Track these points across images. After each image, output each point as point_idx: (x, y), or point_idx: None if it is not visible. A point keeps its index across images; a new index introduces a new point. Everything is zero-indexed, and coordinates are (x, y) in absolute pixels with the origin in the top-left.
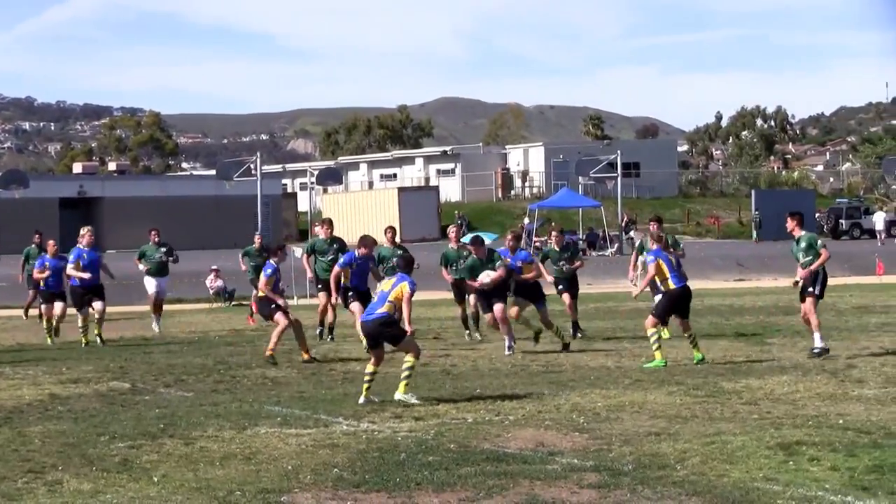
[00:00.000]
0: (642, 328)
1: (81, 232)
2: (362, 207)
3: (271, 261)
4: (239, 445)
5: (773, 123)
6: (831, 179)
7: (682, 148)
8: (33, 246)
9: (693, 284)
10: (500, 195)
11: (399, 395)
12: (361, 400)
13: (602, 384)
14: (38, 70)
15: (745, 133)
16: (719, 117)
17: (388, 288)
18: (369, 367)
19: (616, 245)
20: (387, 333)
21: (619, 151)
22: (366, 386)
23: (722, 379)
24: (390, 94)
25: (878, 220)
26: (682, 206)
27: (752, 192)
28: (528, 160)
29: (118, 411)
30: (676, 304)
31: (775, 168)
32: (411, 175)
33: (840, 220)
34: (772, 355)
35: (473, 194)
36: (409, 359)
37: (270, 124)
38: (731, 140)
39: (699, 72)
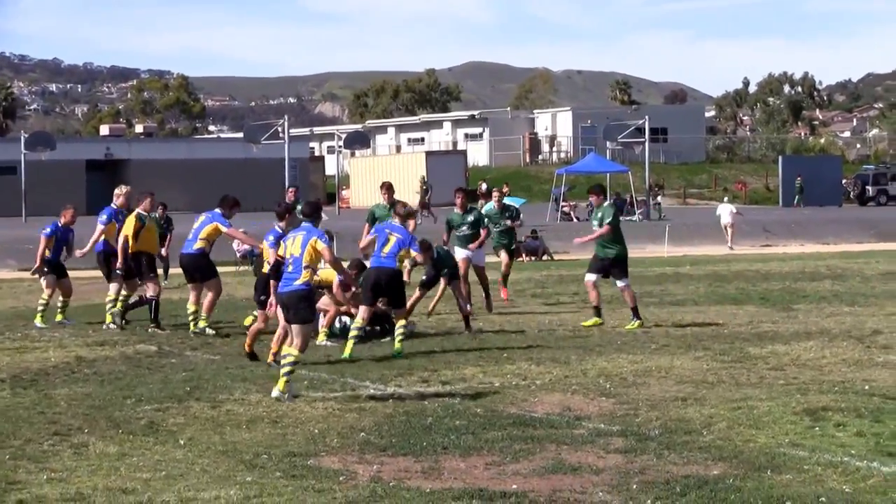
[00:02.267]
0: (671, 293)
1: (117, 192)
2: (390, 171)
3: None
4: (265, 409)
5: (800, 90)
6: (858, 146)
7: (710, 114)
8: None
9: (719, 250)
10: (527, 160)
11: (276, 391)
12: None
13: (629, 349)
14: (65, 32)
15: (772, 99)
16: (746, 83)
17: (299, 251)
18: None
19: (643, 210)
20: (301, 308)
21: (646, 117)
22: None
23: (748, 344)
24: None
25: None
26: (710, 172)
27: (780, 158)
28: (556, 125)
29: (144, 374)
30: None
31: (802, 134)
32: (439, 139)
33: (867, 187)
34: (798, 321)
35: (501, 159)
36: (292, 351)
37: (298, 87)
38: (758, 106)
39: (727, 37)
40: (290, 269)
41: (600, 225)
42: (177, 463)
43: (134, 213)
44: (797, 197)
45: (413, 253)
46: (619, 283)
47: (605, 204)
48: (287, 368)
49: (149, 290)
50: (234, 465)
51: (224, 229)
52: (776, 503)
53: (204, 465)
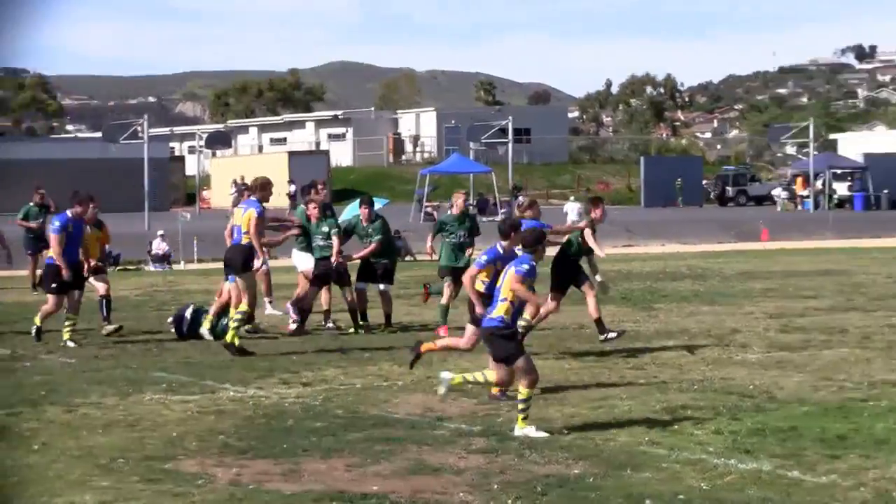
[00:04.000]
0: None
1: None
2: (251, 171)
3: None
4: (122, 412)
5: (662, 91)
6: (718, 147)
7: (573, 114)
8: (31, 204)
9: None
10: (391, 160)
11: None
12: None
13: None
14: None
15: (634, 100)
16: (609, 84)
17: (499, 282)
18: None
19: (506, 210)
20: (499, 346)
21: (510, 117)
22: None
23: (609, 344)
24: (282, 57)
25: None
26: (573, 173)
27: (642, 158)
28: (420, 125)
29: None
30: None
31: (664, 135)
32: (302, 139)
33: (726, 188)
34: (658, 320)
35: (364, 159)
36: (522, 390)
37: (158, 87)
38: (620, 107)
39: (590, 39)
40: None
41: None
42: (29, 468)
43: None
44: (679, 198)
45: None
46: (382, 287)
47: (377, 221)
48: (521, 406)
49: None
50: (89, 469)
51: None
52: (635, 501)
53: (58, 471)
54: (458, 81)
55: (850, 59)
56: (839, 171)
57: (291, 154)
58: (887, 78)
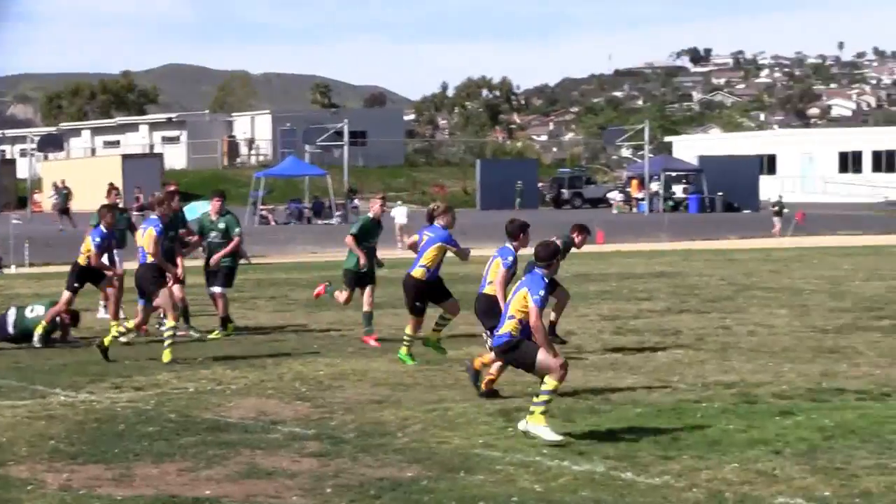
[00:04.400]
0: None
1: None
2: (84, 174)
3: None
4: None
5: (497, 94)
6: (554, 149)
7: (409, 117)
8: None
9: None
10: (225, 163)
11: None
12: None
13: (325, 352)
14: None
15: (469, 103)
16: (445, 87)
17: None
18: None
19: (341, 213)
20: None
21: (346, 120)
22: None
23: (444, 347)
24: (115, 59)
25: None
26: (409, 175)
27: (477, 161)
28: (255, 128)
29: None
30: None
31: (500, 138)
32: (135, 142)
33: (562, 190)
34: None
35: (199, 162)
36: (549, 382)
37: None
38: (456, 110)
39: (425, 41)
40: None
41: (225, 236)
42: None
43: None
44: (518, 200)
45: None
46: (217, 290)
47: (228, 215)
48: (543, 398)
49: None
50: None
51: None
52: (469, 503)
53: None
54: (293, 84)
55: (685, 62)
56: (674, 174)
57: (125, 157)
58: (722, 81)
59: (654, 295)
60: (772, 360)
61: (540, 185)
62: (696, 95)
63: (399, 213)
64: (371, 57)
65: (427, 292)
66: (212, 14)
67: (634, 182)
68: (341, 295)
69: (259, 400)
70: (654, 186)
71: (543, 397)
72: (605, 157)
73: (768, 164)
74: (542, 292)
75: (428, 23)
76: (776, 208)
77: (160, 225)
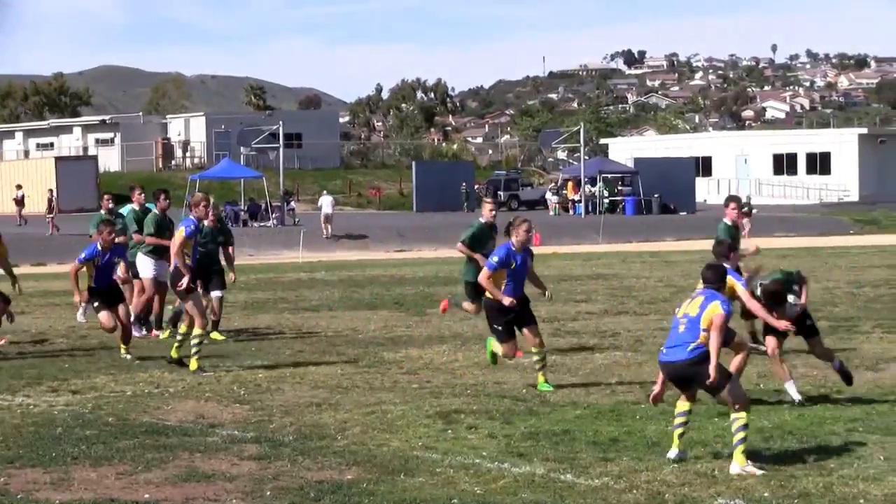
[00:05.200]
0: (305, 299)
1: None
2: (18, 177)
3: None
4: None
5: (433, 96)
6: (490, 151)
7: (344, 119)
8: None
9: (354, 255)
10: (160, 165)
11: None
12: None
13: (263, 355)
14: None
15: (405, 105)
16: (380, 89)
17: (696, 311)
18: None
19: (277, 215)
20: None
21: (281, 122)
22: None
23: (382, 349)
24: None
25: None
26: (344, 178)
27: (413, 163)
28: (190, 130)
29: None
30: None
31: (435, 140)
32: (69, 144)
33: (498, 192)
34: (432, 325)
35: (133, 164)
36: (740, 415)
37: None
38: (391, 112)
39: (360, 43)
40: (680, 329)
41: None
42: None
43: None
44: (465, 203)
45: None
46: (218, 294)
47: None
48: (741, 435)
49: None
50: None
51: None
52: None
53: None
54: (227, 86)
55: (619, 64)
56: (610, 176)
57: (58, 159)
58: (656, 83)
59: (592, 297)
60: None
61: (476, 187)
62: (631, 97)
63: (325, 202)
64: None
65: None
66: (144, 16)
67: (570, 184)
68: (470, 305)
69: (197, 403)
70: (590, 188)
71: (741, 434)
72: (541, 160)
73: (703, 165)
74: (728, 309)
75: (362, 25)
76: (745, 209)
77: (192, 226)
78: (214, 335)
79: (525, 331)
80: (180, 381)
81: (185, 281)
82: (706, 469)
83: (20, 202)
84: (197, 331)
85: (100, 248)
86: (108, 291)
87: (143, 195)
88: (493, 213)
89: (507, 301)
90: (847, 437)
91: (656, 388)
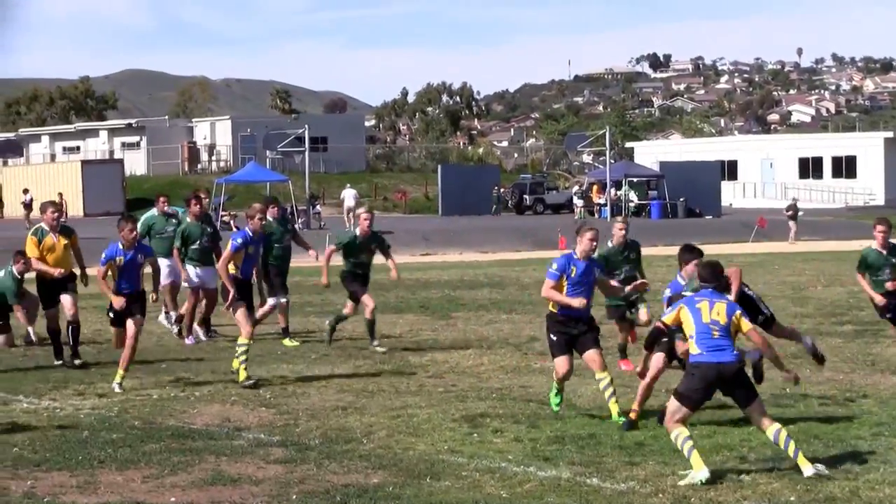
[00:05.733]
0: (331, 303)
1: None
2: (44, 180)
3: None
4: None
5: (458, 99)
6: (515, 155)
7: (370, 123)
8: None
9: (379, 259)
10: (186, 169)
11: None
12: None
13: (289, 359)
14: None
15: (430, 109)
16: (405, 93)
17: (725, 319)
18: None
19: (303, 219)
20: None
21: (306, 126)
22: None
23: (408, 353)
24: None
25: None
26: (370, 181)
27: (439, 167)
28: (215, 134)
29: None
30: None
31: (461, 144)
32: (95, 148)
33: (524, 196)
34: (457, 329)
35: (159, 168)
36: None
37: None
38: (417, 116)
39: (386, 46)
40: (714, 335)
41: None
42: None
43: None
44: (494, 206)
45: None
46: (279, 300)
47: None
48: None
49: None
50: None
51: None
52: None
53: None
54: (253, 90)
55: (645, 67)
56: (636, 180)
57: (84, 163)
58: (682, 87)
59: None
60: None
61: (501, 190)
62: (657, 101)
63: (348, 195)
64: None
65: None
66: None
67: (595, 188)
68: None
69: (223, 407)
70: (615, 192)
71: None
72: (566, 163)
73: (729, 169)
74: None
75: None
76: (790, 212)
77: (240, 239)
78: (285, 342)
79: (585, 356)
80: (206, 384)
81: (230, 297)
82: (732, 473)
83: (28, 206)
84: (242, 340)
85: (121, 246)
86: (130, 299)
87: (203, 200)
88: (624, 233)
89: (576, 303)
90: (873, 442)
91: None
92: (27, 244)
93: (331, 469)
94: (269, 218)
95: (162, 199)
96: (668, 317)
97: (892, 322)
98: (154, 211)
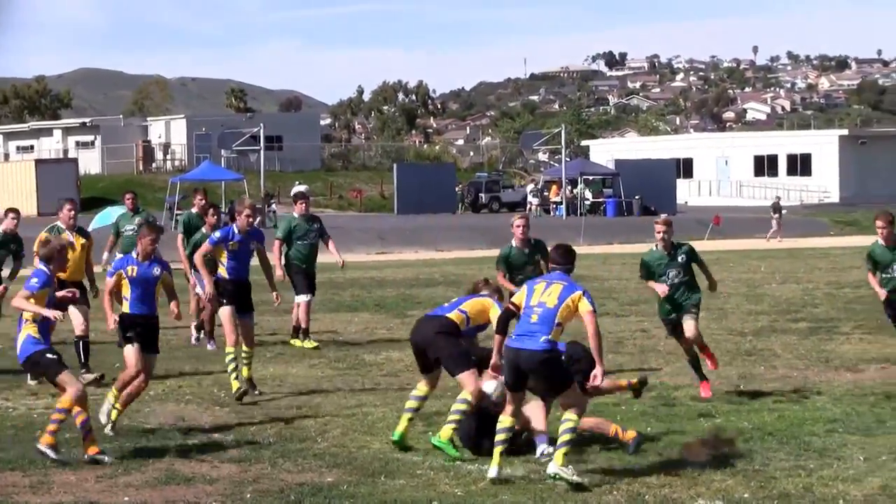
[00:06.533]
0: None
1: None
2: None
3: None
4: None
5: (414, 98)
6: (471, 153)
7: (325, 121)
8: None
9: (331, 257)
10: (141, 168)
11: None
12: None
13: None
14: None
15: (386, 107)
16: (361, 91)
17: (554, 303)
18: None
19: (258, 219)
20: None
21: (261, 124)
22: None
23: (363, 351)
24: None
25: (529, 192)
26: (325, 180)
27: (395, 165)
28: (170, 133)
29: None
30: None
31: (417, 142)
32: (49, 147)
33: (480, 194)
34: (412, 327)
35: (114, 167)
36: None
37: None
38: (373, 114)
39: (341, 45)
40: (532, 319)
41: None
42: None
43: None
44: (460, 205)
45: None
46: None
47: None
48: (569, 437)
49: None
50: None
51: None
52: None
53: None
54: (208, 89)
55: (600, 66)
56: (591, 178)
57: (38, 162)
58: (637, 85)
59: None
60: None
61: (457, 188)
62: (612, 99)
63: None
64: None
65: None
66: (125, 19)
67: (554, 186)
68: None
69: (178, 406)
70: (571, 189)
71: (569, 437)
72: (522, 162)
73: (684, 167)
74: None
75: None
76: (777, 213)
77: (220, 233)
78: (306, 343)
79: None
80: (160, 383)
81: (209, 295)
82: (686, 470)
83: None
84: (228, 349)
85: (135, 256)
86: (146, 323)
87: (203, 200)
88: (664, 237)
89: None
90: (827, 438)
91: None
92: (37, 243)
93: (285, 468)
94: (295, 214)
95: (128, 195)
96: (516, 296)
97: (893, 322)
98: (123, 208)
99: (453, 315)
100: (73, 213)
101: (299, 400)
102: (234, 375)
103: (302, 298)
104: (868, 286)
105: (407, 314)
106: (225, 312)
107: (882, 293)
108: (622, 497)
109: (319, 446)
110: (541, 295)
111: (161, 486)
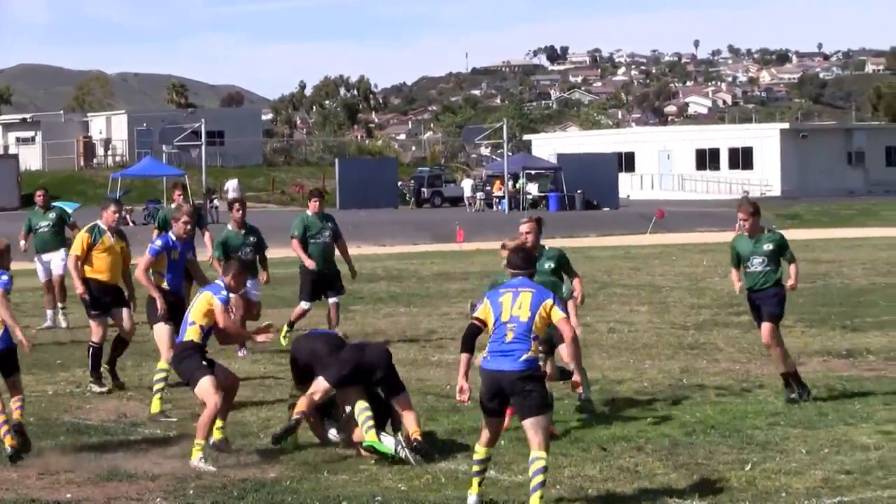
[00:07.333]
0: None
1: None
2: None
3: None
4: None
5: (356, 92)
6: (413, 148)
7: (267, 116)
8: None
9: (278, 253)
10: (82, 164)
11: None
12: None
13: None
14: None
15: (328, 102)
16: (303, 86)
17: (527, 315)
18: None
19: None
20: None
21: (203, 120)
22: None
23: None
24: None
25: (466, 187)
26: (267, 175)
27: (336, 160)
28: (111, 128)
29: None
30: None
31: (359, 137)
32: None
33: (422, 189)
34: (355, 322)
35: (55, 163)
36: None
37: None
38: (314, 109)
39: (283, 41)
40: (508, 337)
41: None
42: None
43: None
44: (412, 199)
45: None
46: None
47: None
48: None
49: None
50: None
51: None
52: (333, 503)
53: None
54: (149, 84)
55: (542, 60)
56: (533, 172)
57: None
58: (579, 79)
59: None
60: (633, 356)
61: (399, 183)
62: (554, 94)
63: (232, 187)
64: (228, 56)
65: None
66: (66, 14)
67: (497, 181)
68: None
69: (120, 402)
70: (513, 184)
71: (542, 477)
72: (464, 156)
73: (626, 161)
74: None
75: (285, 22)
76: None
77: (160, 241)
78: (283, 339)
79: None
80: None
81: (159, 309)
82: (629, 464)
83: None
84: (161, 365)
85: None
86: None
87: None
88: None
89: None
90: (769, 431)
91: None
92: (76, 241)
93: (228, 464)
94: (309, 212)
95: (39, 193)
96: (480, 310)
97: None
98: (66, 204)
99: None
100: (117, 215)
101: (241, 395)
102: (160, 395)
103: (303, 305)
104: (809, 279)
105: (349, 309)
106: (163, 330)
107: (738, 286)
108: (564, 491)
109: (262, 442)
110: (511, 308)
111: (103, 483)
